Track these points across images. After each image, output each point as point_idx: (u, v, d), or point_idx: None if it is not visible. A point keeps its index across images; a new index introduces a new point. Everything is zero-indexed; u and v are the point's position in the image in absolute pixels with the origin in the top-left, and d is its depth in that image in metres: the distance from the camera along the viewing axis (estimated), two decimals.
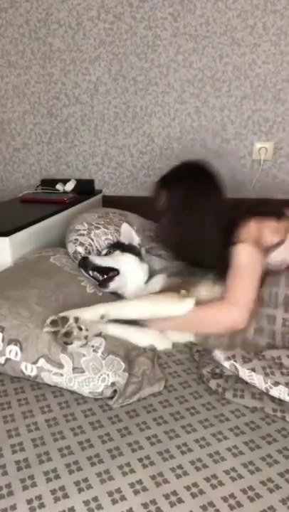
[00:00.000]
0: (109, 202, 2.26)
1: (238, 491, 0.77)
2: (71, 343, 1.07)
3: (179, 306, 1.19)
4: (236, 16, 2.00)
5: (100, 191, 2.39)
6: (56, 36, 2.22)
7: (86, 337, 1.10)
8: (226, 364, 1.09)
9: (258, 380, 1.02)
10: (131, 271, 1.40)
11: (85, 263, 1.40)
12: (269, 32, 1.99)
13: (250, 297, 1.18)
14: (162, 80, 2.17)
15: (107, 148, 2.35)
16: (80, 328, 1.10)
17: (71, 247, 1.53)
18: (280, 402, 1.00)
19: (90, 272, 1.42)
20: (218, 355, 1.11)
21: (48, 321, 1.09)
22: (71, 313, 1.10)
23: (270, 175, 2.19)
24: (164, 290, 1.27)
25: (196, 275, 1.32)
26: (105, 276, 1.38)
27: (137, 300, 1.24)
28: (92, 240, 1.54)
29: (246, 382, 1.05)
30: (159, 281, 1.35)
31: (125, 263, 1.41)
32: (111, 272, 1.39)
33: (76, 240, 1.53)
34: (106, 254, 1.46)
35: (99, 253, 1.51)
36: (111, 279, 1.37)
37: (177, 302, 1.19)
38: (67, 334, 1.07)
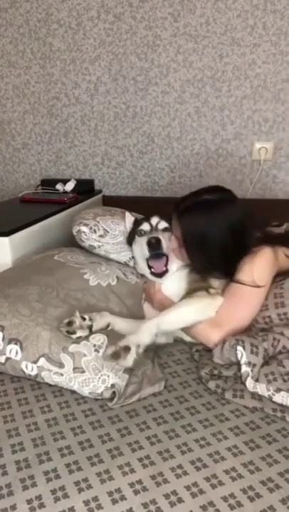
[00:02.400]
0: (109, 202, 2.26)
1: (238, 491, 0.77)
2: (74, 333, 1.07)
3: (213, 306, 1.18)
4: (236, 16, 2.00)
5: (100, 191, 2.39)
6: (56, 36, 2.22)
7: (90, 327, 1.11)
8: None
9: (260, 389, 1.02)
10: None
11: (158, 245, 1.28)
12: (269, 32, 1.99)
13: (239, 322, 1.17)
14: (162, 80, 2.17)
15: (107, 148, 2.35)
16: (84, 318, 1.11)
17: (75, 228, 1.46)
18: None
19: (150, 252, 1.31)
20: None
21: (65, 321, 1.09)
22: (130, 342, 1.03)
23: (270, 175, 2.19)
24: (192, 289, 1.25)
25: None
26: (164, 269, 1.31)
27: (178, 309, 1.18)
28: (98, 222, 1.47)
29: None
30: (182, 276, 1.32)
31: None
32: (164, 258, 1.31)
33: (80, 222, 1.47)
34: (164, 231, 1.35)
35: (151, 227, 1.38)
36: (166, 271, 1.32)
37: (211, 302, 1.18)
38: (70, 324, 1.08)
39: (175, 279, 1.33)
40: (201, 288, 1.22)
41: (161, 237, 1.29)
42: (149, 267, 1.33)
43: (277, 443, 0.90)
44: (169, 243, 1.31)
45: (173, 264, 1.33)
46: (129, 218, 1.49)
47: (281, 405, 0.99)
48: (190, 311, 1.17)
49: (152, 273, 1.33)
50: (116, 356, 1.01)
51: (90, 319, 1.12)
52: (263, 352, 1.04)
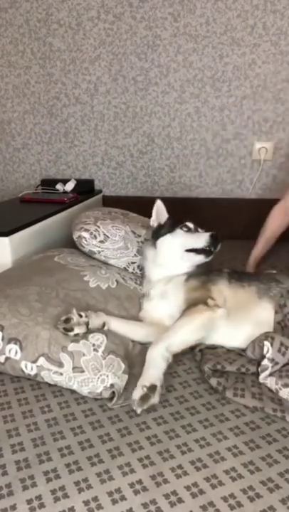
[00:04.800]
0: (109, 202, 2.26)
1: (238, 491, 0.77)
2: (71, 330, 1.08)
3: (216, 318, 1.18)
4: (236, 16, 2.00)
5: (100, 191, 2.39)
6: (56, 36, 2.22)
7: (87, 324, 1.11)
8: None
9: (270, 381, 1.03)
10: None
11: (218, 239, 1.32)
12: (269, 32, 1.99)
13: None
14: (162, 80, 2.17)
15: (107, 148, 2.35)
16: (80, 315, 1.11)
17: (76, 234, 1.47)
18: (279, 402, 1.00)
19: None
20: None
21: (62, 319, 1.09)
22: (153, 379, 1.01)
23: (270, 175, 2.19)
24: (191, 300, 1.24)
25: (211, 273, 1.33)
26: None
27: (182, 328, 1.17)
28: (99, 226, 1.47)
29: (249, 381, 1.06)
30: (179, 285, 1.32)
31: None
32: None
33: (81, 227, 1.47)
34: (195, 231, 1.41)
35: (194, 226, 1.43)
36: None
37: (212, 315, 1.17)
38: (67, 321, 1.09)
39: (172, 288, 1.33)
40: (199, 300, 1.22)
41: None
42: (201, 251, 1.34)
43: (278, 443, 0.89)
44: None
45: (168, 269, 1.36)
46: (161, 208, 1.49)
47: (281, 405, 0.99)
48: (194, 328, 1.16)
49: (205, 250, 1.33)
50: (146, 398, 0.98)
51: (87, 316, 1.13)
52: None
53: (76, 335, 1.08)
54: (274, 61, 2.03)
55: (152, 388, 0.99)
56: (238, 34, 2.03)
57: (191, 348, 1.26)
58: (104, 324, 1.17)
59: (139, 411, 0.97)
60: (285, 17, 1.96)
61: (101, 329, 1.16)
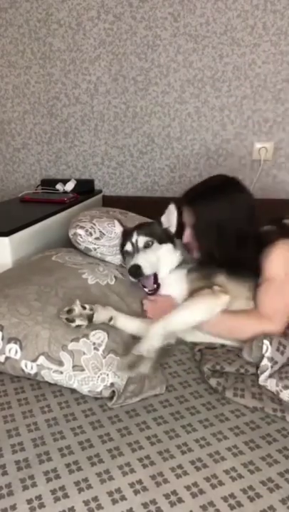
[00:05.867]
0: (109, 202, 2.26)
1: (238, 491, 0.77)
2: (73, 321, 1.09)
3: (219, 304, 1.19)
4: (236, 16, 2.00)
5: (100, 191, 2.39)
6: (56, 36, 2.22)
7: (90, 317, 1.12)
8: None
9: (270, 383, 1.03)
10: (165, 259, 1.38)
11: (138, 272, 1.29)
12: (269, 32, 1.99)
13: (282, 309, 1.17)
14: (162, 80, 2.17)
15: (107, 148, 2.35)
16: (84, 307, 1.12)
17: (71, 231, 1.47)
18: (279, 402, 1.00)
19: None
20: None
21: (65, 309, 1.11)
22: (143, 349, 1.05)
23: (270, 175, 2.19)
24: (195, 288, 1.26)
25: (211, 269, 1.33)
26: (155, 286, 1.34)
27: (184, 309, 1.19)
28: (95, 224, 1.47)
29: (251, 381, 1.06)
30: (181, 277, 1.34)
31: (163, 254, 1.38)
32: (152, 276, 1.34)
33: (77, 225, 1.47)
34: (146, 247, 1.37)
35: (133, 247, 1.39)
36: (159, 287, 1.35)
37: (215, 300, 1.19)
38: (70, 312, 1.10)
39: (174, 281, 1.34)
40: (204, 286, 1.23)
41: (141, 260, 1.31)
42: (143, 287, 1.36)
43: (277, 443, 0.90)
44: (152, 260, 1.33)
45: (162, 272, 1.36)
46: (118, 228, 1.49)
47: (281, 405, 0.99)
48: (196, 310, 1.18)
49: (147, 292, 1.35)
50: (133, 366, 1.03)
51: (91, 309, 1.13)
52: None
53: (78, 326, 1.10)
54: (274, 61, 2.03)
55: (140, 358, 1.04)
56: (238, 34, 2.02)
57: (191, 348, 1.27)
58: (111, 318, 1.18)
59: (125, 374, 1.03)
60: (285, 17, 1.96)
61: (107, 323, 1.16)
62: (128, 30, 2.13)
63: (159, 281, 1.35)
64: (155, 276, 1.35)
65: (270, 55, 2.02)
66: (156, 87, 2.18)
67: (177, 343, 1.28)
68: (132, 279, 1.33)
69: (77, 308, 1.11)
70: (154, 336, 1.07)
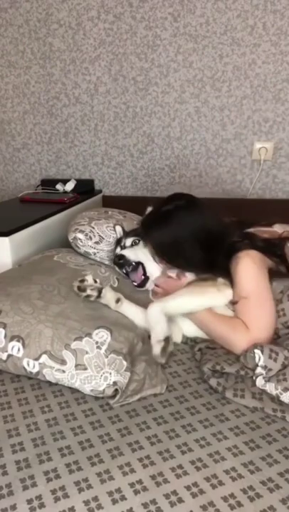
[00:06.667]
0: (109, 202, 2.26)
1: (238, 491, 0.77)
2: (84, 290, 1.17)
3: (222, 296, 1.20)
4: (236, 16, 2.00)
5: (100, 191, 2.39)
6: (56, 36, 2.22)
7: (100, 291, 1.19)
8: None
9: (269, 387, 1.02)
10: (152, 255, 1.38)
11: (123, 261, 1.35)
12: (269, 32, 1.99)
13: (267, 322, 1.15)
14: (162, 80, 2.17)
15: (107, 148, 2.35)
16: (95, 281, 1.21)
17: (71, 235, 1.49)
18: (279, 402, 1.00)
19: (124, 270, 1.38)
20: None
21: (78, 279, 1.19)
22: (162, 334, 1.11)
23: (270, 175, 2.19)
24: (199, 279, 1.26)
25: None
26: (143, 278, 1.36)
27: (185, 295, 1.21)
28: (94, 227, 1.49)
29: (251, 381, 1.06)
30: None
31: (150, 250, 1.37)
32: (140, 268, 1.36)
33: (76, 229, 1.49)
34: (132, 245, 1.42)
35: (118, 244, 1.46)
36: (147, 279, 1.36)
37: (218, 292, 1.20)
38: (82, 281, 1.19)
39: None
40: (208, 278, 1.24)
41: (126, 252, 1.37)
42: (132, 281, 1.38)
43: (278, 443, 0.90)
44: (138, 253, 1.37)
45: (150, 266, 1.36)
46: (120, 234, 1.53)
47: (281, 405, 0.99)
48: (195, 297, 1.20)
49: (135, 286, 1.37)
50: (165, 350, 1.09)
51: (101, 284, 1.21)
52: (282, 359, 1.03)
53: (88, 296, 1.18)
54: (274, 61, 2.03)
55: (167, 339, 1.10)
56: (238, 34, 2.02)
57: (191, 348, 1.27)
58: (118, 300, 1.22)
59: (163, 361, 1.10)
60: (285, 17, 1.96)
61: (113, 304, 1.22)
62: (128, 30, 2.13)
63: (148, 274, 1.36)
64: (144, 269, 1.36)
65: (270, 55, 2.02)
66: (156, 87, 2.18)
67: (176, 344, 1.28)
68: (119, 270, 1.39)
69: (89, 279, 1.19)
70: (157, 317, 1.12)
